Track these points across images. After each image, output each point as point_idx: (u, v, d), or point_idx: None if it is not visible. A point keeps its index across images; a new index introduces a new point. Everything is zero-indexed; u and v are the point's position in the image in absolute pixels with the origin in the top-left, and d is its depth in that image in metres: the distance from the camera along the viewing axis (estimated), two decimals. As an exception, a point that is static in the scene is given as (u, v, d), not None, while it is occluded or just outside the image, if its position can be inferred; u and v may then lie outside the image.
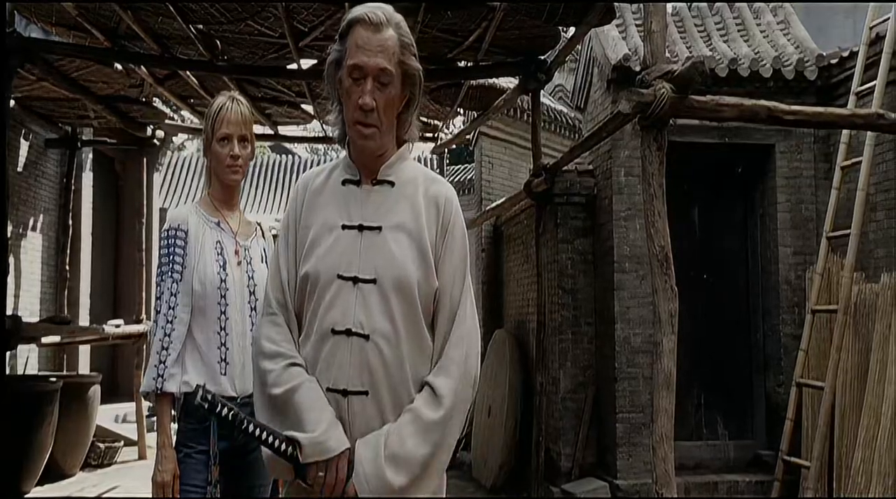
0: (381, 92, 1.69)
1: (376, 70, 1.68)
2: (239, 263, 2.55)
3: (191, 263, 2.46)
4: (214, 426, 2.35)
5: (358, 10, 1.72)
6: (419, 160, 20.37)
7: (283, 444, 1.59)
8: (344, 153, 1.87)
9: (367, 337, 1.66)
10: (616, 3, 5.40)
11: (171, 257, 2.46)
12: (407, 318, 1.68)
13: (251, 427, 1.58)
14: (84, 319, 9.13)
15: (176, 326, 2.41)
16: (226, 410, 1.56)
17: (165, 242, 2.48)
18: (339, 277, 1.69)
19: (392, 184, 1.76)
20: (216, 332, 2.46)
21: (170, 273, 2.45)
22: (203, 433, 2.37)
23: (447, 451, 1.68)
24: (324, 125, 8.53)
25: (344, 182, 1.80)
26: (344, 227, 1.73)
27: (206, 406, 1.56)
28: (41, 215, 8.55)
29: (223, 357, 2.45)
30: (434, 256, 1.73)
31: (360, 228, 1.73)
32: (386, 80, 1.69)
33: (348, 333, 1.67)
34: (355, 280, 1.69)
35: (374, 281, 1.68)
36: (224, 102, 2.60)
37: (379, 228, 1.72)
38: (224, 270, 2.50)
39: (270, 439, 1.59)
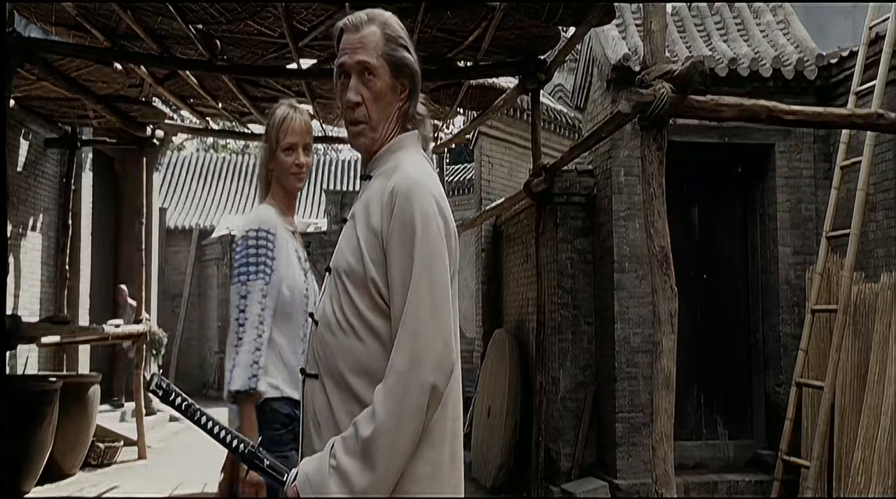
0: (367, 86, 1.72)
1: (356, 65, 1.72)
2: (305, 271, 2.64)
3: (279, 268, 2.49)
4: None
5: (341, 20, 1.80)
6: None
7: (236, 441, 1.61)
8: None
9: (317, 323, 1.74)
10: (616, 3, 5.40)
11: (262, 259, 2.46)
12: (345, 305, 1.66)
13: (204, 419, 1.58)
14: (84, 319, 9.13)
15: (266, 329, 2.43)
16: (179, 399, 1.55)
17: (255, 242, 2.48)
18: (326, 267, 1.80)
19: (370, 178, 1.79)
20: (300, 337, 2.50)
21: (261, 275, 2.45)
22: (290, 438, 2.37)
23: (384, 470, 1.53)
24: (323, 125, 8.55)
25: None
26: (343, 220, 1.83)
27: (161, 394, 1.57)
28: (41, 215, 8.55)
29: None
30: (382, 248, 1.63)
31: (344, 220, 1.81)
32: (370, 74, 1.72)
33: (312, 318, 1.78)
34: (328, 269, 1.77)
35: (329, 271, 1.75)
36: (288, 112, 2.64)
37: (345, 220, 1.81)
38: (304, 276, 2.59)
39: (223, 433, 1.60)
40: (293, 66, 6.34)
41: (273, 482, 1.64)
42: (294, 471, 1.61)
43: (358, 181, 2.03)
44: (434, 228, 1.61)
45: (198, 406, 1.62)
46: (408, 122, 1.80)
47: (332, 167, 19.46)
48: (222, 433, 1.60)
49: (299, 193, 2.78)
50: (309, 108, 7.65)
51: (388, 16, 1.78)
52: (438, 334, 1.58)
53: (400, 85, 1.76)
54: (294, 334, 2.51)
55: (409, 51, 1.76)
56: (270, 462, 1.62)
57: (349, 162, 19.63)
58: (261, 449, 1.63)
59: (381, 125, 1.76)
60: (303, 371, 1.77)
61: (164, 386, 1.58)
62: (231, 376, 2.38)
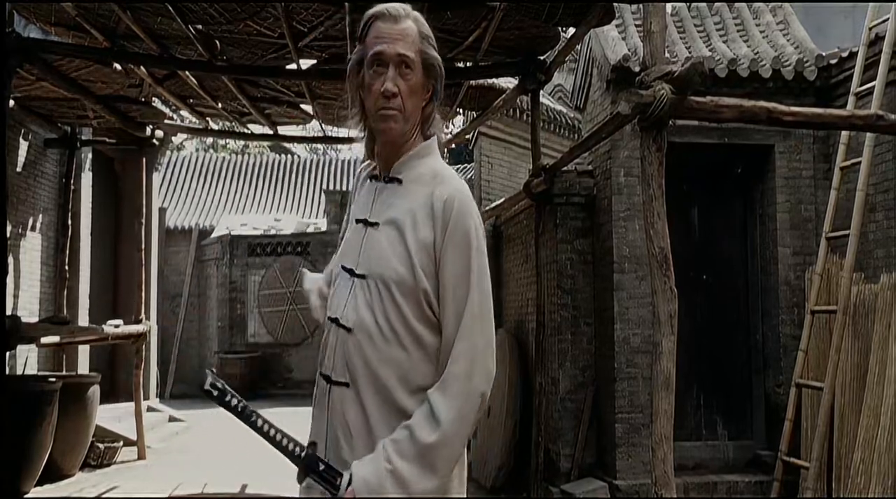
0: (404, 79, 1.69)
1: (396, 56, 1.69)
2: None
3: None
4: None
5: (375, 8, 1.73)
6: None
7: (292, 444, 1.56)
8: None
9: (350, 330, 1.68)
10: (615, 4, 5.40)
11: None
12: (391, 315, 1.65)
13: (259, 422, 1.54)
14: (83, 320, 9.13)
15: None
16: (235, 401, 1.50)
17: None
18: (343, 268, 1.75)
19: (400, 181, 1.76)
20: None
21: None
22: None
23: (442, 474, 1.61)
24: (322, 125, 8.55)
25: (370, 178, 1.85)
26: (357, 221, 1.80)
27: (216, 394, 1.51)
28: (40, 215, 8.54)
29: None
30: (435, 259, 1.66)
31: (366, 222, 1.76)
32: (407, 68, 1.70)
33: (337, 322, 1.71)
34: (351, 273, 1.72)
35: (364, 276, 1.69)
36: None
37: (376, 224, 1.74)
38: None
39: (279, 436, 1.55)
40: (293, 66, 6.34)
41: (327, 488, 1.59)
42: (347, 474, 1.58)
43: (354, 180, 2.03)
44: (483, 243, 1.69)
45: (252, 409, 1.56)
46: (427, 126, 1.79)
47: (332, 167, 19.45)
48: (278, 436, 1.56)
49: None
50: (308, 107, 7.66)
51: (419, 14, 1.77)
52: (489, 345, 1.66)
53: (428, 84, 1.75)
54: None
55: (437, 51, 1.77)
56: (325, 466, 1.60)
57: (349, 162, 19.62)
58: (315, 452, 1.61)
59: (410, 121, 1.74)
60: (327, 378, 1.71)
61: (220, 386, 1.53)
62: None
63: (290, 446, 1.56)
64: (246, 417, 1.53)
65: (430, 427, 1.57)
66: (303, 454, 1.58)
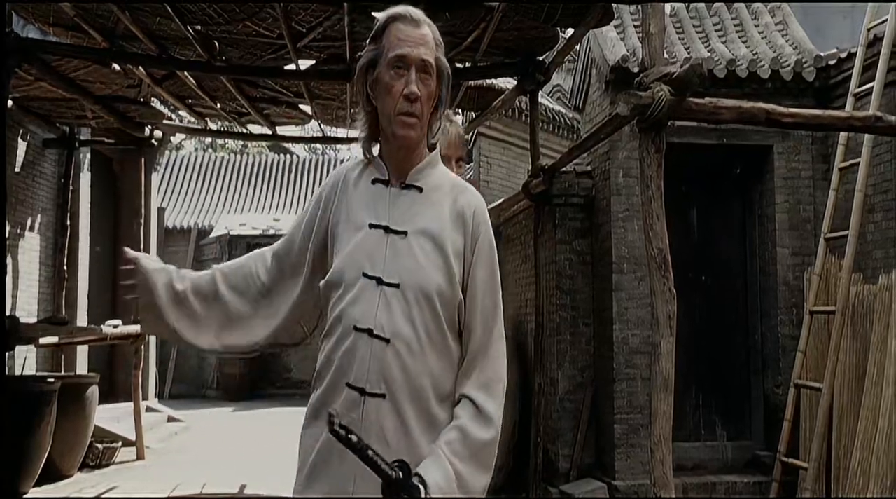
0: (424, 84, 1.70)
1: (420, 61, 1.69)
2: None
3: None
4: None
5: (394, 9, 1.73)
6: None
7: (388, 467, 1.55)
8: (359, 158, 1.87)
9: (387, 341, 1.64)
10: (614, 5, 5.39)
11: None
12: (429, 325, 1.66)
13: (370, 453, 1.53)
14: (82, 320, 9.12)
15: None
16: (355, 437, 1.50)
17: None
18: (365, 275, 1.68)
19: (420, 189, 1.75)
20: None
21: None
22: None
23: (491, 471, 1.68)
24: (321, 125, 8.54)
25: (374, 181, 1.79)
26: (371, 226, 1.73)
27: (343, 433, 1.49)
28: (39, 215, 8.54)
29: None
30: (463, 267, 1.70)
31: (387, 229, 1.71)
32: (426, 74, 1.71)
33: (370, 333, 1.65)
34: (379, 281, 1.67)
35: (397, 285, 1.66)
36: (443, 125, 2.81)
37: (405, 233, 1.70)
38: None
39: (381, 463, 1.54)
40: (292, 66, 6.33)
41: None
42: (421, 487, 1.55)
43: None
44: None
45: (366, 443, 1.53)
46: (433, 135, 1.79)
47: (331, 167, 19.44)
48: (381, 464, 1.53)
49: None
50: (307, 108, 7.65)
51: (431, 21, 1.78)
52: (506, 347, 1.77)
53: (438, 92, 1.76)
54: None
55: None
56: (409, 480, 1.58)
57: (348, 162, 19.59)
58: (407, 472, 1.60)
59: (425, 127, 1.75)
60: (360, 390, 1.65)
61: (345, 426, 1.49)
62: None
63: (389, 471, 1.55)
64: (360, 450, 1.52)
65: (483, 426, 1.64)
66: (400, 475, 1.57)
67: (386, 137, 1.76)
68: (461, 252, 1.70)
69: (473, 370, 1.69)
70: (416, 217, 1.72)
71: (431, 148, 1.80)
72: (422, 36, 1.71)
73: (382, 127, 1.75)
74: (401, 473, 1.55)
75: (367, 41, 1.78)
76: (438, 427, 1.66)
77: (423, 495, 1.54)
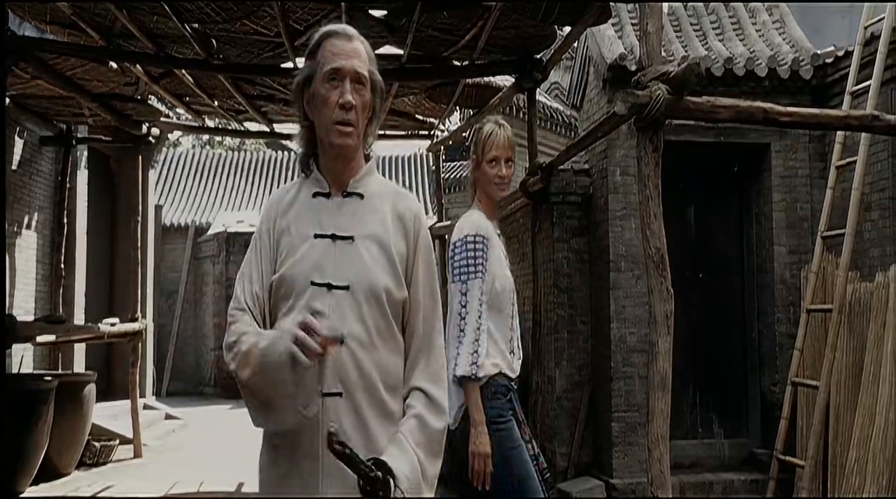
0: (359, 94, 1.77)
1: (354, 72, 1.77)
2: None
3: (492, 268, 2.88)
4: (515, 398, 2.90)
5: (327, 27, 1.83)
6: (416, 157, 20.29)
7: (371, 471, 1.60)
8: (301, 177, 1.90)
9: (341, 342, 1.71)
10: (612, 3, 5.39)
11: (479, 261, 2.86)
12: (379, 321, 1.75)
13: (357, 458, 1.59)
14: (79, 318, 9.11)
15: (484, 322, 2.80)
16: (348, 450, 1.56)
17: (472, 246, 2.87)
18: (313, 283, 1.74)
19: (361, 196, 1.83)
20: (508, 326, 2.93)
21: (479, 275, 2.84)
22: (508, 406, 2.84)
23: (440, 459, 1.78)
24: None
25: (314, 195, 1.84)
26: (316, 235, 1.78)
27: (342, 447, 1.55)
28: (36, 213, 8.52)
29: (512, 346, 2.94)
30: (405, 269, 1.81)
31: (333, 237, 1.78)
32: (361, 84, 1.78)
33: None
34: (329, 286, 1.74)
35: (346, 288, 1.74)
36: (493, 129, 3.00)
37: (351, 238, 1.78)
38: (509, 274, 3.01)
39: (364, 467, 1.60)
40: (289, 64, 6.33)
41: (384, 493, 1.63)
42: (392, 482, 1.61)
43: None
44: None
45: (357, 453, 1.59)
46: (367, 145, 1.87)
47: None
48: (364, 467, 1.59)
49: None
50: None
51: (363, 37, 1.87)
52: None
53: (373, 104, 1.82)
54: (505, 324, 2.91)
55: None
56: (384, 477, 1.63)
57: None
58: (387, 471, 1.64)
59: (360, 137, 1.82)
60: (317, 392, 1.71)
61: (343, 441, 1.55)
62: (456, 363, 2.75)
63: (371, 473, 1.61)
64: (351, 457, 1.57)
65: (437, 415, 1.76)
66: (381, 475, 1.62)
67: (324, 147, 1.83)
68: (404, 254, 1.81)
69: (420, 362, 1.80)
70: (360, 223, 1.80)
71: (367, 158, 1.88)
72: (354, 49, 1.79)
73: (320, 138, 1.82)
74: (379, 472, 1.61)
75: (304, 58, 1.87)
76: (391, 418, 1.75)
77: (393, 489, 1.60)
